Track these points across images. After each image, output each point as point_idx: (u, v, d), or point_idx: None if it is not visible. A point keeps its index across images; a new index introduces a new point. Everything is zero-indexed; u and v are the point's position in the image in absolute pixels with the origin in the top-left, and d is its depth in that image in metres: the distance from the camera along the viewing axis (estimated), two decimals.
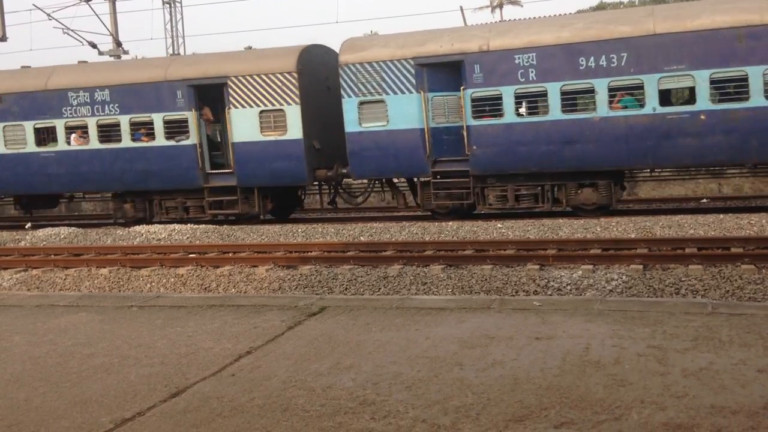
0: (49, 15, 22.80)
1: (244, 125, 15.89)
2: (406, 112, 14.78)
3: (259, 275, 11.08)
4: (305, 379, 4.51)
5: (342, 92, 15.19)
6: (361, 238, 13.15)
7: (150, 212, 17.30)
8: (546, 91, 13.92)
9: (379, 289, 10.17)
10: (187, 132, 16.32)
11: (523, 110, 14.82)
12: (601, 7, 36.48)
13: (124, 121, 16.64)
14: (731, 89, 13.15)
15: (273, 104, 15.71)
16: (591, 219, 13.29)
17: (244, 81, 15.85)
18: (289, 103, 15.59)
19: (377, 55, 15.04)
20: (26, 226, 17.93)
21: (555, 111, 13.87)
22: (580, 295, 9.25)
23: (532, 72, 13.97)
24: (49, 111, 17.11)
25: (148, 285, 11.46)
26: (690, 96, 13.67)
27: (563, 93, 13.83)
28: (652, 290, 9.10)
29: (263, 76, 15.75)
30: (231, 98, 15.89)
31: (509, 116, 14.19)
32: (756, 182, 17.79)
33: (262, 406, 4.10)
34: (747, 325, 5.09)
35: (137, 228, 15.69)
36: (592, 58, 13.58)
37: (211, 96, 16.72)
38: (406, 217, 15.96)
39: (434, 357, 4.79)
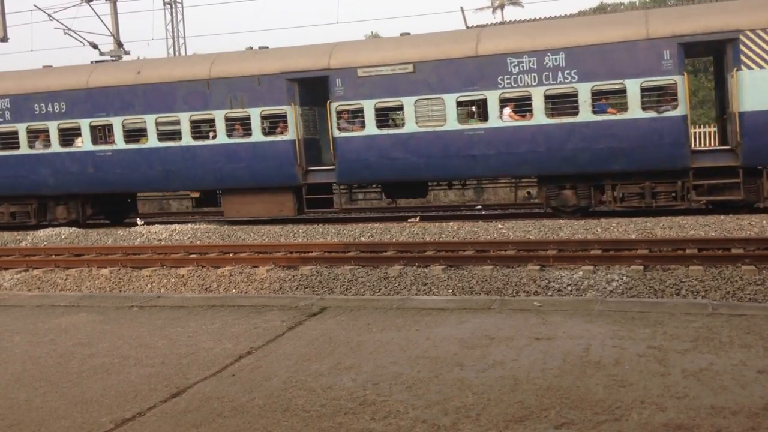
0: (50, 15, 22.81)
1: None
2: None
3: (259, 276, 11.09)
4: (305, 379, 4.51)
5: None
6: (362, 238, 13.16)
7: (594, 200, 14.50)
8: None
9: (380, 289, 10.18)
10: (675, 101, 13.57)
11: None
12: (601, 9, 36.49)
13: (584, 89, 13.89)
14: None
15: None
16: (592, 220, 13.29)
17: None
18: None
19: None
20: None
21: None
22: (581, 295, 9.25)
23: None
24: (479, 81, 14.56)
25: (149, 285, 11.47)
26: None
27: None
28: (652, 291, 9.10)
29: None
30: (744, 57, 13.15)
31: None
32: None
33: (263, 406, 4.10)
34: (747, 326, 5.09)
35: (138, 228, 15.70)
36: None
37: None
38: (404, 218, 15.95)
39: (435, 357, 4.79)
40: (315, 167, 16.23)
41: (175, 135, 16.52)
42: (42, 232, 16.02)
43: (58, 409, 4.27)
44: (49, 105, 17.23)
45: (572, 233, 12.13)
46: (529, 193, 20.61)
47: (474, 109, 15.44)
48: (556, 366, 4.47)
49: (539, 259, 10.48)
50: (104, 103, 16.85)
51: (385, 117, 15.73)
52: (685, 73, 13.69)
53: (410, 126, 15.02)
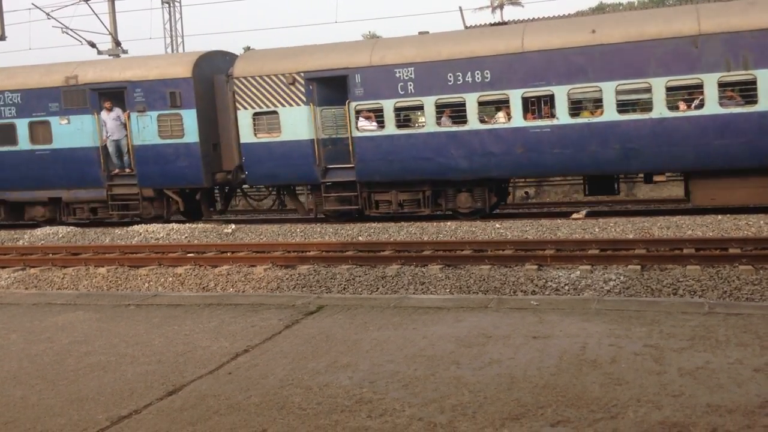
0: (48, 14, 22.78)
1: None
2: None
3: (257, 275, 11.08)
4: (302, 377, 4.51)
5: None
6: (360, 238, 13.16)
7: None
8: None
9: (377, 288, 10.18)
10: None
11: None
12: (600, 9, 36.51)
13: None
14: None
15: None
16: (589, 220, 13.30)
17: None
18: None
19: None
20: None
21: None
22: (578, 295, 9.25)
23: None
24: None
25: (146, 284, 11.45)
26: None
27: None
28: (649, 290, 9.11)
29: None
30: None
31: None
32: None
33: (259, 404, 4.10)
34: (744, 324, 5.10)
35: (135, 227, 15.69)
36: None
37: None
38: (404, 217, 15.96)
39: (431, 356, 4.79)
40: None
41: (644, 105, 13.86)
42: (39, 231, 16.00)
43: (55, 406, 4.27)
44: (469, 74, 14.37)
45: (570, 233, 12.13)
46: (526, 192, 20.59)
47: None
48: (552, 364, 4.47)
49: (537, 258, 10.48)
50: (542, 70, 13.98)
51: None
52: None
53: None
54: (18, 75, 17.31)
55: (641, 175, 15.83)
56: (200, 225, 15.45)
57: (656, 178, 15.05)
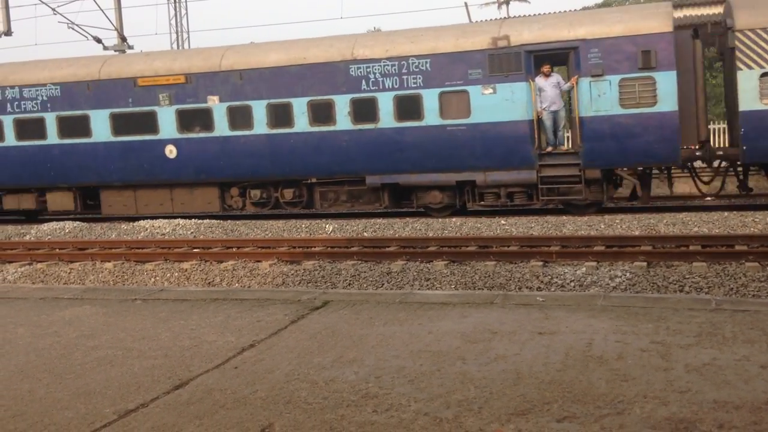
0: (54, 9, 22.82)
1: None
2: None
3: (262, 270, 11.10)
4: (308, 372, 4.52)
5: None
6: (365, 233, 13.16)
7: None
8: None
9: (383, 284, 10.19)
10: None
11: None
12: (606, 5, 36.37)
13: None
14: None
15: None
16: (595, 216, 13.28)
17: None
18: None
19: None
20: None
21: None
22: (584, 291, 9.24)
23: None
24: None
25: (152, 279, 11.49)
26: None
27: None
28: (655, 287, 9.09)
29: None
30: None
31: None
32: (761, 180, 17.67)
33: (265, 398, 4.11)
34: (751, 321, 5.09)
35: (141, 222, 15.73)
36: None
37: None
38: (408, 213, 15.95)
39: (437, 351, 4.80)
40: None
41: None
42: (46, 226, 16.06)
43: (62, 400, 4.29)
44: None
45: (576, 229, 12.12)
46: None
47: None
48: (558, 360, 4.47)
49: (542, 254, 10.47)
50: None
51: None
52: None
53: None
54: (425, 39, 14.71)
55: None
56: (206, 221, 15.47)
57: None
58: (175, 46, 29.07)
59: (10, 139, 17.10)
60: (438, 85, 14.30)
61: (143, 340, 5.51)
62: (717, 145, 19.23)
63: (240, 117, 15.61)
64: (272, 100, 15.39)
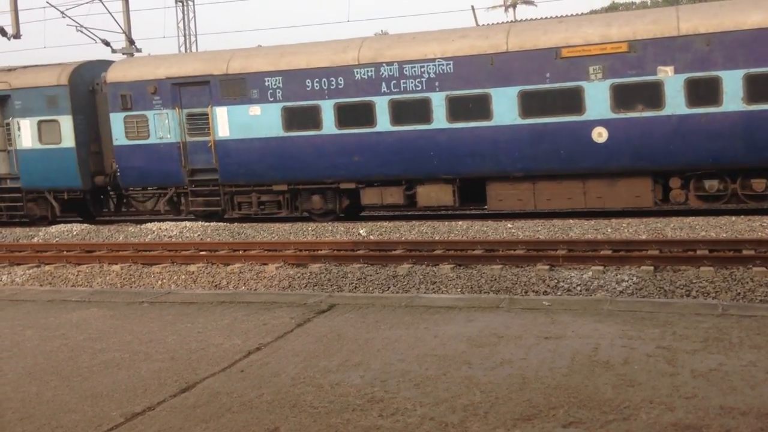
0: (62, 12, 22.93)
1: None
2: None
3: (269, 273, 11.12)
4: (314, 375, 4.53)
5: None
6: (371, 237, 13.17)
7: None
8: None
9: (389, 287, 10.18)
10: None
11: None
12: (613, 8, 36.32)
13: None
14: None
15: None
16: (602, 220, 13.24)
17: None
18: None
19: None
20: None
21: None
22: (590, 295, 9.21)
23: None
24: None
25: (159, 282, 11.53)
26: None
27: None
28: (662, 292, 9.06)
29: None
30: None
31: None
32: None
33: (271, 402, 4.12)
34: (758, 326, 5.07)
35: (149, 225, 15.78)
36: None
37: None
38: (416, 216, 15.94)
39: (443, 355, 4.80)
40: None
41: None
42: (54, 228, 16.14)
43: (69, 402, 4.31)
44: None
45: (582, 233, 12.09)
46: None
47: None
48: (564, 365, 4.46)
49: (549, 258, 10.45)
50: None
51: None
52: None
53: None
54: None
55: None
56: (212, 224, 15.51)
57: None
58: (182, 49, 29.17)
59: (384, 124, 14.90)
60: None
61: (150, 343, 5.53)
62: None
63: (698, 92, 13.07)
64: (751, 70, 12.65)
